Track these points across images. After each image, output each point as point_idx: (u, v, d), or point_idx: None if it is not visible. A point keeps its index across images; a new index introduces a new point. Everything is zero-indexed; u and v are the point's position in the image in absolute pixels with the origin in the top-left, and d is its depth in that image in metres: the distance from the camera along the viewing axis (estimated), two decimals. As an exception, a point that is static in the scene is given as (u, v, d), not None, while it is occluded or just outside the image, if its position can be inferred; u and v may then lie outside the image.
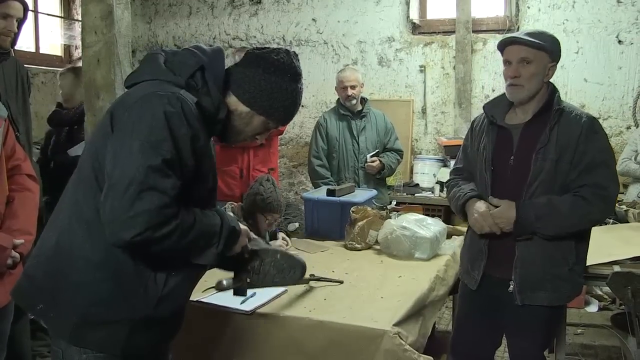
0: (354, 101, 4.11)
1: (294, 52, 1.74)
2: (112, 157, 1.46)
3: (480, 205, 2.25)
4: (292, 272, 1.85)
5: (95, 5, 2.05)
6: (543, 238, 2.17)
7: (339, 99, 4.23)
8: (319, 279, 2.47)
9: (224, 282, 1.87)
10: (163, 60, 1.64)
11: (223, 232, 1.59)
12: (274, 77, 1.66)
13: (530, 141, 2.20)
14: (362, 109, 4.16)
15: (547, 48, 2.19)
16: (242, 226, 1.73)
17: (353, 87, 4.07)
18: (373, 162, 4.07)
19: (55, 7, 5.97)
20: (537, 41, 2.17)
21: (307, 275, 2.43)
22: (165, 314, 1.59)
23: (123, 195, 1.40)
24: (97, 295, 1.51)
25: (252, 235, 1.82)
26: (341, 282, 2.51)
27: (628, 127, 5.12)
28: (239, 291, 1.88)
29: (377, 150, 4.15)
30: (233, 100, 1.67)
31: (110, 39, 2.08)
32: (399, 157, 4.25)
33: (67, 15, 6.02)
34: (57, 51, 6.00)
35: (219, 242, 1.58)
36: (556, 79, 5.42)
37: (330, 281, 2.49)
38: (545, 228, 2.15)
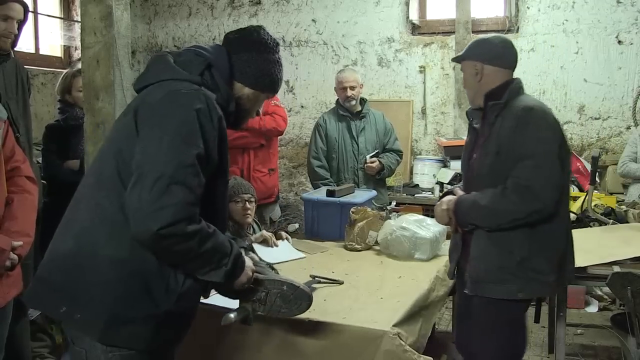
0: (353, 102, 4.10)
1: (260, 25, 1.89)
2: (141, 150, 1.53)
3: (444, 200, 2.36)
4: (298, 303, 1.86)
5: (95, 6, 2.05)
6: (487, 230, 2.22)
7: (338, 99, 4.22)
8: (319, 281, 2.48)
9: (231, 316, 1.78)
10: (173, 61, 1.72)
11: (233, 252, 1.66)
12: (265, 55, 1.81)
13: (482, 138, 2.34)
14: (362, 110, 4.16)
15: (467, 55, 2.36)
16: (247, 258, 1.78)
17: (352, 88, 4.06)
18: (372, 162, 4.06)
19: (55, 8, 5.97)
20: (457, 56, 2.45)
21: (307, 277, 2.47)
22: (184, 310, 1.65)
23: (152, 187, 1.46)
24: (124, 292, 1.55)
25: (258, 264, 1.87)
26: (341, 283, 2.51)
27: (628, 128, 5.12)
28: (246, 321, 1.83)
29: (376, 151, 4.14)
30: (238, 87, 1.80)
31: (109, 40, 2.08)
32: (398, 158, 4.25)
33: (66, 16, 6.02)
34: (57, 52, 6.00)
35: (229, 262, 1.64)
36: (557, 79, 5.46)
37: (331, 281, 2.50)
38: (478, 221, 2.24)
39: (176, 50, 1.81)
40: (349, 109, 4.13)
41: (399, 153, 4.25)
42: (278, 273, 2.04)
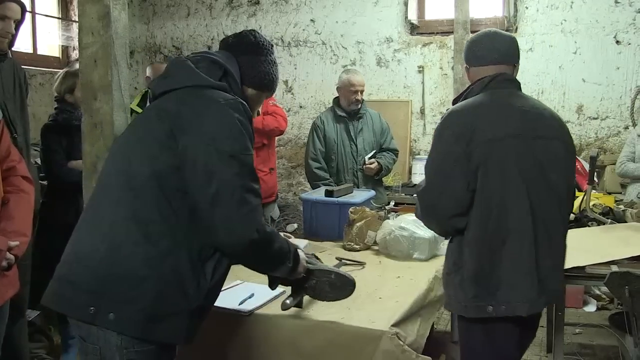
0: (360, 105, 4.11)
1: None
2: (202, 169, 1.62)
3: None
4: (344, 289, 2.06)
5: (92, 6, 2.04)
6: None
7: (335, 99, 4.20)
8: (345, 263, 2.75)
9: (287, 302, 2.03)
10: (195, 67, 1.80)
11: (292, 249, 1.86)
12: (263, 56, 1.92)
13: None
14: (359, 110, 4.15)
15: (464, 57, 2.24)
16: (301, 252, 1.97)
17: (361, 92, 4.09)
18: (371, 164, 4.06)
19: (53, 8, 5.96)
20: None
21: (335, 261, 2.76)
22: (210, 304, 1.77)
23: (230, 200, 1.61)
24: (161, 289, 1.60)
25: (307, 256, 2.07)
26: (364, 264, 2.78)
27: (626, 127, 5.13)
28: (299, 305, 2.10)
29: (374, 151, 4.14)
30: (243, 89, 1.89)
31: (107, 40, 2.07)
32: (394, 157, 4.27)
33: (64, 16, 6.01)
34: (55, 52, 5.99)
35: (291, 259, 1.85)
36: (555, 79, 5.46)
37: (355, 263, 2.78)
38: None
39: (192, 56, 1.87)
40: (346, 110, 4.12)
41: (395, 152, 4.27)
42: (322, 262, 2.21)
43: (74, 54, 5.89)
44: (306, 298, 2.14)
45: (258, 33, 1.96)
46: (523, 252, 1.95)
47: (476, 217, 1.96)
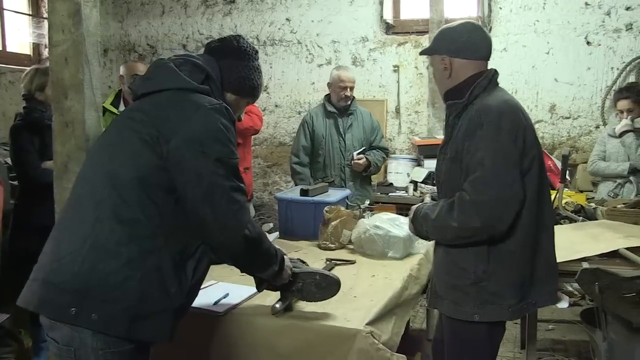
0: (350, 101, 4.14)
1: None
2: (191, 173, 1.65)
3: (412, 208, 2.24)
4: (330, 289, 2.13)
5: (62, 3, 2.00)
6: (444, 245, 2.08)
7: (327, 95, 4.24)
8: (336, 263, 2.78)
9: (277, 306, 2.09)
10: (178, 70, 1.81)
11: (278, 254, 1.94)
12: (245, 62, 1.92)
13: (444, 141, 2.18)
14: (349, 107, 4.18)
15: (434, 48, 2.13)
16: (286, 258, 2.03)
17: (351, 89, 4.14)
18: (360, 159, 4.08)
19: (23, 5, 5.85)
20: (424, 49, 2.20)
21: (324, 261, 2.82)
22: (190, 302, 1.79)
23: (221, 199, 1.67)
24: (144, 289, 1.61)
25: (293, 260, 2.14)
26: (354, 262, 2.80)
27: (597, 127, 5.22)
28: (288, 308, 2.15)
29: (363, 148, 4.17)
30: (224, 93, 1.90)
31: (78, 38, 2.03)
32: (384, 155, 4.33)
33: (35, 12, 5.90)
34: (26, 50, 5.88)
35: (277, 262, 1.92)
36: (528, 79, 5.53)
37: (345, 262, 2.82)
38: (429, 234, 2.12)
39: (174, 59, 1.87)
40: (336, 106, 4.15)
41: (385, 150, 4.33)
42: (308, 265, 2.28)
43: (46, 52, 5.79)
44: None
45: (243, 38, 1.96)
46: (550, 248, 2.06)
47: (526, 223, 1.94)
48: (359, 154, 4.12)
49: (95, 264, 1.58)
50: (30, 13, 5.88)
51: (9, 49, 5.62)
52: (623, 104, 4.15)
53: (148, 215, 1.63)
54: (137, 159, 1.66)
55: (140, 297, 1.60)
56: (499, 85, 2.13)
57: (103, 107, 3.30)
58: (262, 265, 1.91)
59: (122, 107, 3.71)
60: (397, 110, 5.74)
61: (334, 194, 3.59)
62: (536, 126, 5.32)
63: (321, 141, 4.18)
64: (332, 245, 3.09)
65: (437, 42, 2.12)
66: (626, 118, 4.12)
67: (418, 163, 5.30)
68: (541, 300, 2.05)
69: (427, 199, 2.36)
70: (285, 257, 2.01)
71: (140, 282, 1.60)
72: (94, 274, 1.58)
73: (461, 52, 2.05)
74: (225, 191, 1.68)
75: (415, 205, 2.23)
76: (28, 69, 3.52)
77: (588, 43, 5.17)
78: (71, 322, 1.58)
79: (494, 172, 1.86)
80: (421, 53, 2.27)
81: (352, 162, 4.11)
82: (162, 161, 1.65)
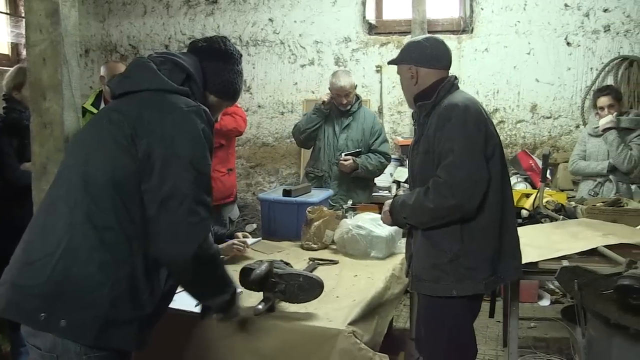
0: (349, 106, 4.16)
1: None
2: (157, 173, 1.59)
3: (386, 202, 2.45)
4: (313, 290, 2.14)
5: (40, 3, 1.98)
6: (421, 229, 2.27)
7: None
8: (319, 263, 2.80)
9: (260, 307, 2.09)
10: (157, 69, 1.76)
11: (233, 286, 1.86)
12: (229, 65, 1.90)
13: (416, 138, 2.41)
14: (350, 108, 4.17)
15: (401, 59, 2.39)
16: (264, 266, 2.09)
17: (348, 95, 4.11)
18: (346, 161, 4.05)
19: (0, 4, 5.77)
20: (393, 60, 2.44)
21: (307, 261, 2.85)
22: (163, 309, 1.76)
23: (178, 208, 1.58)
24: (115, 296, 1.58)
25: (275, 262, 2.19)
26: (336, 262, 2.84)
27: (577, 126, 5.28)
28: (271, 309, 2.16)
29: (358, 150, 4.13)
30: (205, 95, 1.88)
31: (56, 38, 2.01)
32: (382, 160, 4.19)
33: (13, 11, 5.82)
34: (4, 49, 5.80)
35: (230, 293, 1.83)
36: (510, 79, 5.56)
37: (328, 262, 2.85)
38: (408, 220, 2.31)
39: (155, 57, 1.82)
40: (338, 107, 4.18)
41: (384, 155, 4.20)
42: (292, 267, 2.33)
43: (25, 52, 5.71)
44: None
45: (229, 41, 1.94)
46: (513, 227, 2.30)
47: (493, 202, 2.18)
48: (349, 154, 4.08)
49: (67, 269, 1.56)
50: (8, 12, 5.80)
51: (-14, 49, 5.55)
52: (604, 100, 4.18)
53: (121, 221, 1.60)
54: (112, 163, 1.62)
55: (111, 305, 1.57)
56: (460, 88, 2.40)
57: (83, 107, 3.26)
58: (211, 292, 1.80)
59: (102, 108, 3.68)
60: (380, 111, 5.75)
61: (317, 195, 3.59)
62: (517, 126, 5.42)
63: (321, 132, 4.22)
64: (315, 246, 3.09)
65: (404, 54, 2.39)
66: (610, 114, 4.13)
67: (401, 163, 5.32)
68: (508, 275, 2.30)
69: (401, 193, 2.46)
70: (237, 291, 1.91)
71: (111, 289, 1.57)
72: (66, 279, 1.55)
73: (426, 62, 2.33)
74: (187, 200, 1.58)
75: (389, 200, 2.42)
76: (9, 69, 3.48)
77: (568, 44, 5.23)
78: (42, 329, 1.55)
79: (463, 157, 2.12)
80: (389, 63, 2.47)
81: (339, 162, 4.09)
82: (136, 165, 1.61)
